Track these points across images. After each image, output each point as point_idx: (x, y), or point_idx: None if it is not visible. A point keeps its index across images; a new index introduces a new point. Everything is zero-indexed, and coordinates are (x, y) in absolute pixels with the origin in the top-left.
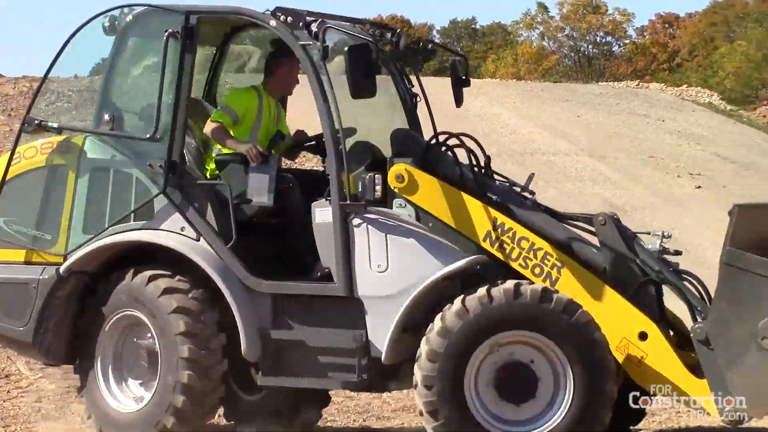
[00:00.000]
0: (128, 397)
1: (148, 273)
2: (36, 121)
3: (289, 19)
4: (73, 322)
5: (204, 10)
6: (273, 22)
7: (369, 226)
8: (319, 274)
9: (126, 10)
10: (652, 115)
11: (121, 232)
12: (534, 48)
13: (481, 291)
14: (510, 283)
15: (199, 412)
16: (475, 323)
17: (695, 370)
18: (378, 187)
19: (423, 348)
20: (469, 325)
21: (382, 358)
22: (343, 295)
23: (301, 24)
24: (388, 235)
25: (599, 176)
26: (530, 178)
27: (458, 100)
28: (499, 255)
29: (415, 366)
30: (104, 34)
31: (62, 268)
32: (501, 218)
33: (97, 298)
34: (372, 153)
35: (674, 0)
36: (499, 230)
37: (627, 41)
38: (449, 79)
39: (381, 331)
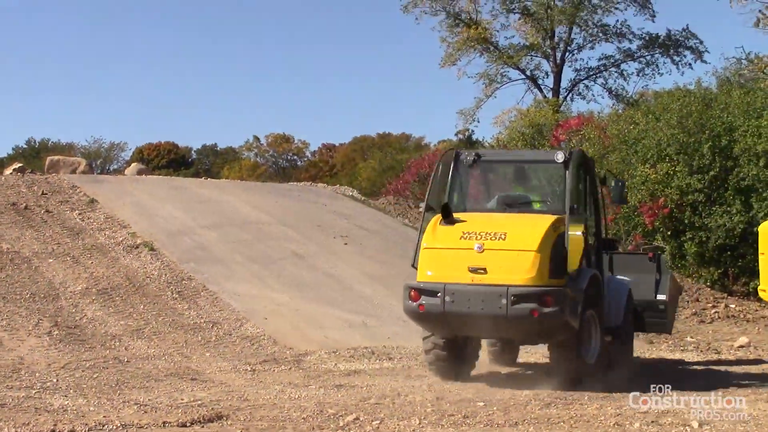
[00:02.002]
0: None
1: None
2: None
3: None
4: None
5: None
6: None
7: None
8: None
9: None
10: (319, 202)
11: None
12: (252, 162)
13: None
14: None
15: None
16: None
17: None
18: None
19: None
20: None
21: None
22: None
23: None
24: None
25: (289, 237)
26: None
27: (622, 201)
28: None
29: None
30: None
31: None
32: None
33: None
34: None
35: (333, 133)
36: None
37: (305, 159)
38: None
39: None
